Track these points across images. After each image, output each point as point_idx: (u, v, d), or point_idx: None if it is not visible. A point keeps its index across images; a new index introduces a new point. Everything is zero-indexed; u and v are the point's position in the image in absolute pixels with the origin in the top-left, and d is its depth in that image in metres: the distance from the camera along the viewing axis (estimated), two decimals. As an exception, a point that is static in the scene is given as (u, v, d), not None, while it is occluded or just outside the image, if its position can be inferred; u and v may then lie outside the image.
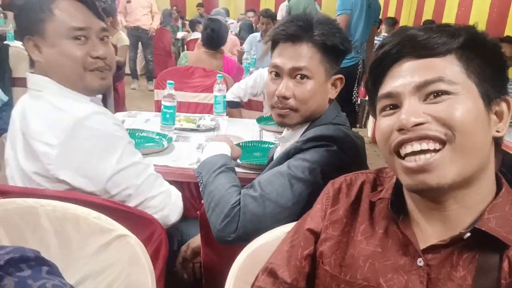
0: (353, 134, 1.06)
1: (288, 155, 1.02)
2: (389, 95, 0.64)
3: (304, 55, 1.03)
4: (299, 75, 1.04)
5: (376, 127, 0.68)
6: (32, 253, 0.56)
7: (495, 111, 0.63)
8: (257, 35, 4.25)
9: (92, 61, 1.04)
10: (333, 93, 1.12)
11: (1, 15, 5.71)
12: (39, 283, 0.52)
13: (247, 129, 1.99)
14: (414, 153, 0.60)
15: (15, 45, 2.81)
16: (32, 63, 1.06)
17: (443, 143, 0.59)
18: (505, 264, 0.58)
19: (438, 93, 0.60)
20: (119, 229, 0.80)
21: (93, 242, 0.80)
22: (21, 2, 1.03)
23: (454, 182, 0.59)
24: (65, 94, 1.02)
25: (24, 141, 1.00)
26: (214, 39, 2.87)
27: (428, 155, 0.59)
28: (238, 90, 2.48)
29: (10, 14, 6.59)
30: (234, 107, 2.49)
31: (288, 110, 1.07)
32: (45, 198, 0.84)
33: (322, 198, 0.80)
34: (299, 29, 1.03)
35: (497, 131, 0.63)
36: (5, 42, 3.47)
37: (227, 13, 8.11)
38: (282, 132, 1.92)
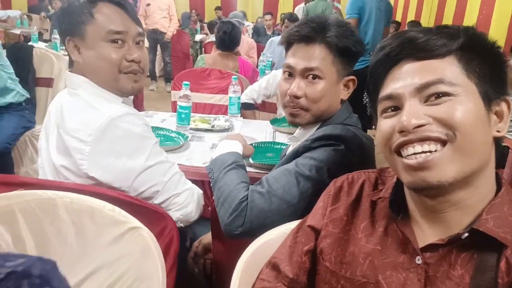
0: (362, 135, 1.08)
1: (297, 154, 1.05)
2: (390, 97, 0.65)
3: (317, 56, 1.06)
4: (311, 75, 1.07)
5: (377, 128, 0.69)
6: (39, 268, 0.54)
7: (495, 111, 0.64)
8: (276, 39, 4.26)
9: (127, 64, 1.09)
10: (345, 94, 1.14)
11: (25, 17, 5.90)
12: None
13: (260, 130, 2.01)
14: (415, 153, 0.61)
15: (39, 47, 2.90)
16: (71, 63, 1.13)
17: (444, 143, 0.60)
18: (503, 264, 0.59)
19: (438, 95, 0.61)
20: (132, 221, 0.84)
21: (107, 234, 0.84)
22: (64, 5, 1.10)
23: (454, 180, 0.59)
24: (100, 94, 1.07)
25: (58, 135, 1.06)
26: (226, 41, 2.92)
27: (428, 153, 0.60)
28: (252, 92, 2.51)
29: (35, 17, 6.81)
30: (248, 109, 2.52)
31: (299, 109, 1.10)
32: (64, 191, 0.88)
33: (324, 196, 0.82)
34: (312, 30, 1.06)
35: (498, 131, 0.64)
36: (29, 44, 3.59)
37: (244, 16, 8.18)
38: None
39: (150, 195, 1.07)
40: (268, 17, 7.26)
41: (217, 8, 8.85)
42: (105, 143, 1.00)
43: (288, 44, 1.13)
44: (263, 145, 1.76)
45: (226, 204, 0.97)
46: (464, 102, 0.60)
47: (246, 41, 4.31)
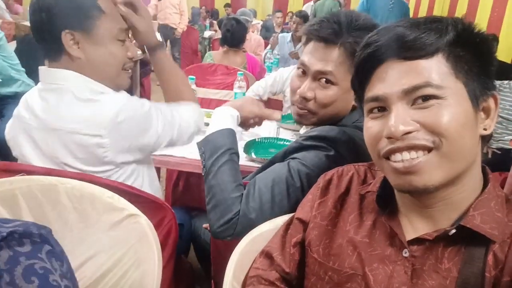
0: (362, 139, 1.03)
1: (292, 149, 1.03)
2: (376, 99, 0.64)
3: (333, 59, 1.00)
4: (324, 79, 1.02)
5: (364, 128, 0.67)
6: (37, 229, 0.56)
7: (483, 107, 0.63)
8: (287, 35, 4.22)
9: (128, 61, 1.11)
10: None
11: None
12: (29, 262, 0.53)
13: (264, 126, 2.02)
14: (402, 159, 0.60)
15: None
16: (56, 57, 1.04)
17: (430, 150, 0.59)
18: (490, 258, 0.60)
19: (426, 97, 0.59)
20: (131, 209, 0.86)
21: (106, 220, 0.86)
22: None
23: (440, 184, 0.60)
24: (92, 87, 1.04)
25: (54, 137, 1.01)
26: (229, 37, 2.95)
27: (416, 158, 0.59)
28: (258, 89, 2.51)
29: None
30: (254, 105, 2.52)
31: (306, 111, 1.06)
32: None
33: (313, 189, 0.83)
34: (333, 32, 1.00)
35: (484, 129, 0.63)
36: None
37: (254, 14, 8.18)
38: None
39: (176, 138, 1.17)
40: (279, 14, 7.28)
41: (227, 5, 8.87)
42: (119, 130, 1.01)
43: (307, 39, 1.07)
44: (266, 141, 1.78)
45: (217, 211, 0.94)
46: (452, 106, 0.59)
47: (254, 39, 4.32)
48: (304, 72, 1.06)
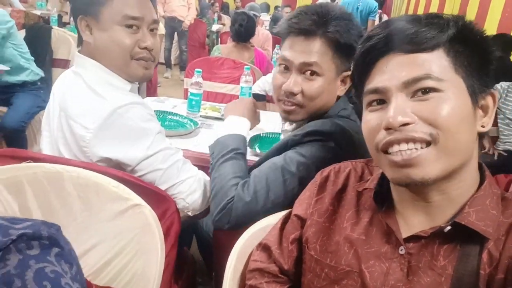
0: (353, 129, 1.03)
1: (286, 146, 1.03)
2: (376, 91, 0.64)
3: (316, 50, 1.00)
4: (309, 71, 1.02)
5: (363, 121, 0.67)
6: (47, 231, 0.56)
7: (481, 105, 0.63)
8: None
9: (139, 50, 1.07)
10: (342, 90, 1.08)
11: None
12: (39, 265, 0.52)
13: (269, 121, 2.02)
14: (400, 150, 0.61)
15: (58, 29, 2.96)
16: (80, 42, 1.10)
17: (428, 143, 0.59)
18: (485, 255, 0.60)
19: (425, 90, 0.60)
20: (135, 198, 0.86)
21: (111, 209, 0.87)
22: None
23: (437, 177, 0.60)
24: (108, 80, 1.06)
25: (59, 117, 1.06)
26: (242, 32, 2.95)
27: (414, 150, 0.60)
28: (265, 84, 2.51)
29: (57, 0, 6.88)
30: (259, 100, 2.52)
31: (294, 106, 1.05)
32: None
33: (310, 186, 0.83)
34: (313, 23, 0.99)
35: (482, 126, 0.63)
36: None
37: (268, 8, 8.14)
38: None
39: (149, 181, 1.05)
40: (287, 9, 7.25)
41: (237, -2, 8.87)
42: (107, 130, 1.00)
43: (284, 35, 1.06)
44: (270, 136, 1.78)
45: (216, 200, 0.98)
46: (451, 99, 0.59)
47: (262, 33, 4.30)
48: (287, 67, 1.05)
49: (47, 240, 0.55)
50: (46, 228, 0.57)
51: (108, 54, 1.06)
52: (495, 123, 2.81)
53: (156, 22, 1.12)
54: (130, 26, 1.05)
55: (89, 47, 1.07)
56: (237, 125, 1.15)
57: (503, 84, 2.74)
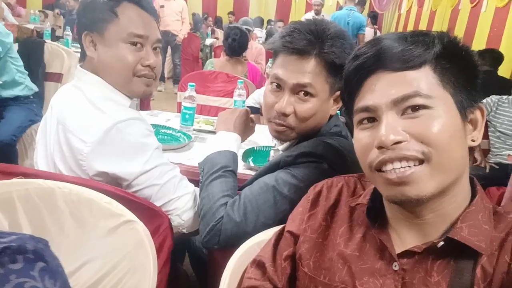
0: (346, 148, 1.01)
1: (277, 166, 1.02)
2: (366, 109, 0.64)
3: (310, 71, 0.97)
4: (303, 92, 0.99)
5: (354, 140, 0.68)
6: (33, 244, 0.55)
7: (470, 119, 0.64)
8: None
9: (142, 68, 1.09)
10: (334, 109, 1.06)
11: (37, 12, 5.97)
12: (19, 280, 0.50)
13: (263, 134, 2.01)
14: (394, 169, 0.61)
15: (51, 42, 2.96)
16: (83, 57, 1.12)
17: (421, 162, 0.60)
18: (479, 270, 0.60)
19: (415, 107, 0.60)
20: (128, 215, 0.85)
21: (103, 225, 0.85)
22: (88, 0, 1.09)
23: (433, 194, 0.60)
24: (108, 96, 1.07)
25: (57, 130, 1.06)
26: (235, 47, 2.99)
27: (407, 167, 0.60)
28: (259, 97, 2.52)
29: (50, 14, 6.90)
30: (253, 113, 2.51)
31: (285, 127, 1.03)
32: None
33: (303, 201, 0.82)
34: (308, 43, 0.96)
35: (472, 140, 0.64)
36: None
37: (262, 23, 8.22)
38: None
39: (145, 197, 1.05)
40: (280, 24, 7.34)
41: (230, 13, 8.95)
42: (105, 146, 1.00)
43: (276, 52, 1.02)
44: (264, 149, 1.78)
45: (204, 221, 0.96)
46: (441, 116, 0.60)
47: (255, 47, 4.34)
48: (279, 85, 1.01)
49: (32, 254, 0.53)
50: (33, 242, 0.55)
51: (111, 70, 1.07)
52: (486, 136, 2.84)
53: (159, 41, 1.14)
54: (134, 44, 1.07)
55: (92, 62, 1.09)
56: (227, 140, 1.12)
57: (493, 98, 2.78)
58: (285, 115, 1.01)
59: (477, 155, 2.79)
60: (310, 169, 0.96)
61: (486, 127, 2.83)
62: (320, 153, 0.98)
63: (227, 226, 0.93)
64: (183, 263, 1.74)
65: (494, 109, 2.77)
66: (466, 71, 0.63)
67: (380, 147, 0.61)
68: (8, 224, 0.85)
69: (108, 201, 0.87)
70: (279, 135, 1.06)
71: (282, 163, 1.01)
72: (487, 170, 2.74)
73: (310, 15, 4.85)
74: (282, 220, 0.89)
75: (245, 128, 1.21)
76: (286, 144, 1.13)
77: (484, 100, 2.74)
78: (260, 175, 1.05)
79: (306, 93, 0.99)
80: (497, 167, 2.73)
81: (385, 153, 0.61)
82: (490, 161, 2.78)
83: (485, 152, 2.84)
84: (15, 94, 2.49)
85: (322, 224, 0.77)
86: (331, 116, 1.08)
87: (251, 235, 0.90)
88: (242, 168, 1.59)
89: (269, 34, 6.33)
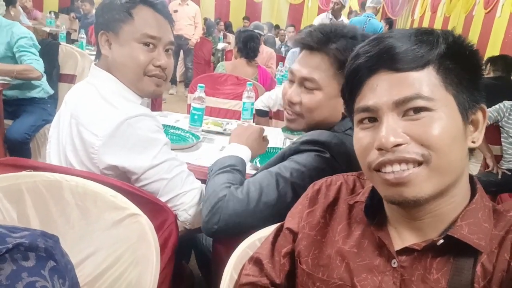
0: (351, 143, 1.03)
1: (283, 156, 1.05)
2: (367, 109, 0.63)
3: (316, 66, 1.04)
4: (307, 85, 1.06)
5: (354, 139, 0.67)
6: (44, 241, 0.55)
7: (471, 120, 0.63)
8: (297, 50, 4.26)
9: (153, 68, 1.12)
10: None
11: (53, 16, 6.10)
12: (31, 279, 0.51)
13: (271, 136, 2.02)
14: (393, 171, 0.60)
15: (65, 44, 3.02)
16: (98, 56, 1.16)
17: (420, 164, 0.59)
18: (479, 268, 0.59)
19: (417, 109, 0.59)
20: (132, 208, 0.87)
21: (108, 218, 0.87)
22: (105, 1, 1.14)
23: (430, 196, 0.60)
24: (121, 94, 1.11)
25: (70, 124, 1.09)
26: (246, 50, 3.02)
27: (406, 169, 0.59)
28: (268, 100, 2.53)
29: (64, 17, 7.05)
30: (262, 116, 2.54)
31: (295, 115, 1.10)
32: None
33: (302, 199, 0.82)
34: (318, 40, 1.03)
35: (473, 141, 0.63)
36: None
37: (274, 28, 8.26)
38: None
39: (153, 191, 1.07)
40: (290, 29, 7.35)
41: (245, 18, 9.03)
42: (116, 139, 1.02)
43: (300, 49, 1.13)
44: (272, 151, 1.78)
45: (207, 202, 0.98)
46: (442, 118, 0.59)
47: (266, 51, 4.36)
48: (292, 79, 1.11)
49: (43, 252, 0.54)
50: (44, 240, 0.56)
51: (123, 68, 1.11)
52: (498, 142, 2.80)
53: (172, 43, 1.17)
54: (147, 44, 1.10)
55: (106, 61, 1.13)
56: (237, 150, 1.17)
57: (506, 103, 2.74)
58: (292, 103, 1.09)
59: (489, 161, 2.75)
60: (312, 156, 0.99)
61: (499, 133, 2.79)
62: (323, 142, 1.00)
63: (229, 203, 0.94)
64: (189, 262, 1.75)
65: (507, 115, 2.72)
66: (470, 72, 0.62)
67: (380, 149, 0.61)
68: (17, 214, 0.87)
69: (114, 195, 0.88)
70: (290, 123, 1.13)
71: (287, 152, 1.05)
72: (499, 177, 2.70)
73: (327, 17, 4.76)
74: (283, 203, 0.92)
75: (257, 146, 1.26)
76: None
77: (497, 106, 2.70)
78: (266, 167, 1.07)
79: (310, 86, 1.06)
80: (510, 173, 2.69)
81: (385, 155, 0.60)
82: (503, 168, 2.73)
83: (498, 158, 2.80)
84: (31, 96, 2.55)
85: (320, 221, 0.77)
86: (345, 116, 1.10)
87: (252, 218, 0.92)
88: (249, 169, 1.59)
89: (266, 41, 6.33)
